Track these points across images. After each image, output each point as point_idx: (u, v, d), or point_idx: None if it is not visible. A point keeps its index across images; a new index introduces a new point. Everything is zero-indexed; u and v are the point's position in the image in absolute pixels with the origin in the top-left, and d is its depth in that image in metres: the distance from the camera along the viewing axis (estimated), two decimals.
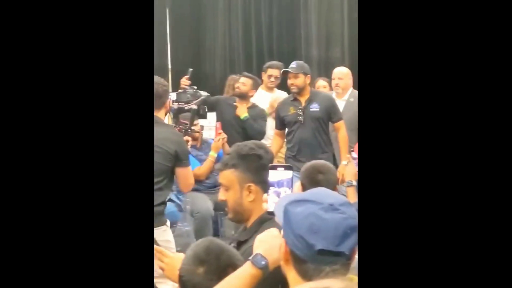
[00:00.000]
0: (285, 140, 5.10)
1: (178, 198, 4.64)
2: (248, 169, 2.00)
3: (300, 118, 4.76)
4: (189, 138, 3.99)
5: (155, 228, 2.84)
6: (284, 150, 5.12)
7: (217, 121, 5.00)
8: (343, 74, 5.36)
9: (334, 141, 4.93)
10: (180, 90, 4.10)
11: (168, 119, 4.71)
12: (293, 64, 4.84)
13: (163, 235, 3.25)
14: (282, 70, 4.91)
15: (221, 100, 5.32)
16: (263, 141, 4.92)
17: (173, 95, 3.97)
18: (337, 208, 1.25)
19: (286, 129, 4.95)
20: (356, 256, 1.27)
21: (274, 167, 1.79)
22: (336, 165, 4.15)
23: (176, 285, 1.76)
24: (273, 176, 1.77)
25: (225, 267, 1.63)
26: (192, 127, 4.02)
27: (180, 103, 3.94)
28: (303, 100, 4.81)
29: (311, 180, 2.59)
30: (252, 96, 5.28)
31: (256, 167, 1.98)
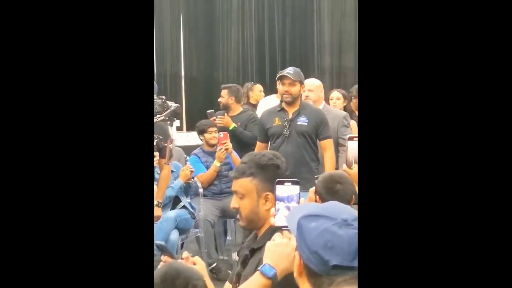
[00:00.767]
0: None
1: (191, 206, 4.67)
2: (267, 178, 2.04)
3: (286, 131, 4.21)
4: (156, 154, 3.70)
5: None
6: None
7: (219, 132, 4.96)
8: (314, 86, 4.76)
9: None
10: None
11: None
12: (290, 70, 4.27)
13: None
14: (278, 75, 4.29)
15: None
16: None
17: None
18: (351, 224, 1.26)
19: (270, 144, 4.37)
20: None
21: (282, 182, 1.80)
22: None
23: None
24: (281, 191, 1.78)
25: None
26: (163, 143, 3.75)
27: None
28: (291, 111, 4.24)
29: (328, 190, 2.58)
30: (231, 103, 5.25)
31: (274, 177, 1.99)
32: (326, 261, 1.23)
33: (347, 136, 2.53)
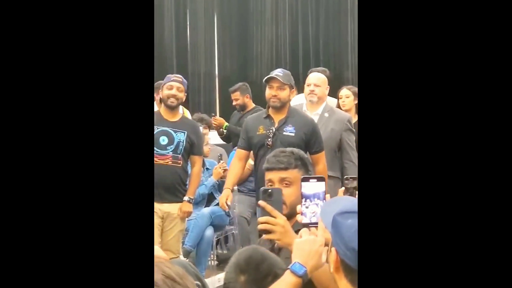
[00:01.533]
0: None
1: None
2: (305, 171, 2.24)
3: (269, 142, 3.68)
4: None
5: None
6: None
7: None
8: (321, 81, 4.25)
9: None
10: None
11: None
12: (279, 72, 3.81)
13: None
14: (266, 78, 3.81)
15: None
16: None
17: None
18: None
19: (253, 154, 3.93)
20: None
21: (307, 179, 1.81)
22: None
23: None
24: (307, 188, 1.79)
25: (265, 276, 1.65)
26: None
27: None
28: (277, 119, 3.75)
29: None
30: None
31: (305, 172, 2.22)
32: None
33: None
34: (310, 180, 1.80)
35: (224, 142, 5.68)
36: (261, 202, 1.86)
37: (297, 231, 1.84)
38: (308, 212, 1.76)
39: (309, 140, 3.73)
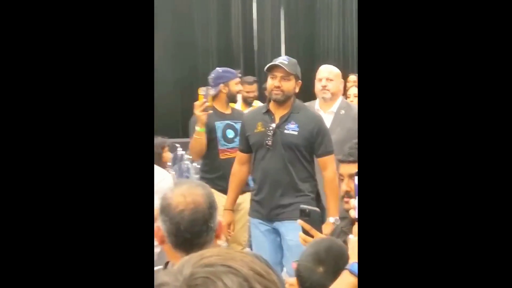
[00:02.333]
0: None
1: None
2: None
3: (268, 141, 3.12)
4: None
5: None
6: None
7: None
8: (334, 75, 3.73)
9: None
10: None
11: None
12: (284, 59, 3.18)
13: None
14: (268, 66, 3.18)
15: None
16: None
17: None
18: None
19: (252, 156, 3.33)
20: None
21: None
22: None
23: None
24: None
25: (341, 270, 1.57)
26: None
27: None
28: (278, 114, 3.16)
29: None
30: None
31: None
32: None
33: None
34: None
35: None
36: (300, 222, 1.86)
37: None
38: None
39: (315, 140, 3.13)
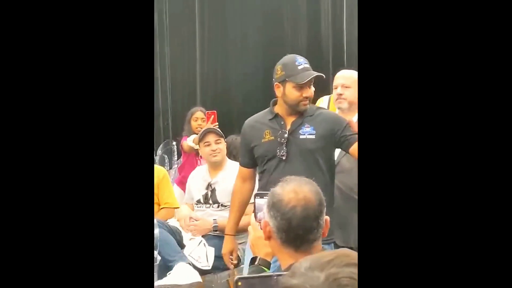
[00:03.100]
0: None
1: None
2: None
3: (281, 152, 2.72)
4: None
5: None
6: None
7: None
8: (351, 81, 3.23)
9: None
10: None
11: None
12: (306, 62, 2.78)
13: None
14: (310, 77, 2.75)
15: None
16: None
17: None
18: None
19: (258, 169, 2.91)
20: None
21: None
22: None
23: None
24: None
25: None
26: None
27: None
28: (290, 120, 2.78)
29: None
30: None
31: None
32: None
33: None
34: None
35: None
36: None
37: None
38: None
39: (334, 133, 2.73)
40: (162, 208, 3.77)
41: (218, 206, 3.67)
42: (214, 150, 3.66)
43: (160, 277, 3.19)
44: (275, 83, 2.76)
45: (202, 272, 3.26)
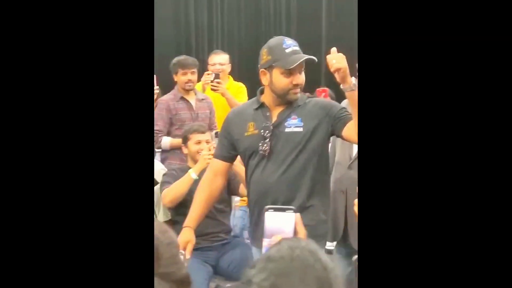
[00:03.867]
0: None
1: None
2: None
3: (264, 146, 2.34)
4: None
5: None
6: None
7: None
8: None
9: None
10: None
11: None
12: (296, 44, 2.38)
13: None
14: (299, 61, 2.31)
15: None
16: None
17: None
18: None
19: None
20: None
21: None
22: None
23: None
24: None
25: None
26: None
27: None
28: (277, 110, 2.40)
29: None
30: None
31: None
32: None
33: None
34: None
35: None
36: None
37: None
38: None
39: (327, 118, 2.34)
40: None
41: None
42: None
43: None
44: (261, 69, 2.39)
45: None
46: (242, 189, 2.99)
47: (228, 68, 4.27)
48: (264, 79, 2.39)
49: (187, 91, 3.93)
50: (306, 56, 2.32)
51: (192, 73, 3.95)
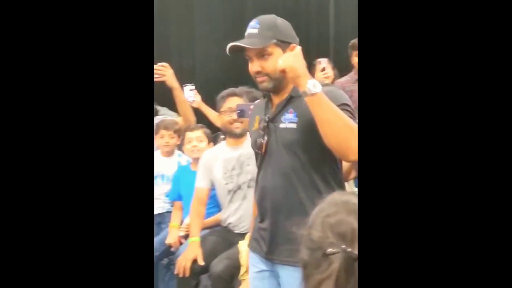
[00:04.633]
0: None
1: None
2: None
3: (259, 145, 2.07)
4: None
5: None
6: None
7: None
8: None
9: None
10: None
11: None
12: (253, 27, 1.99)
13: None
14: (229, 47, 1.99)
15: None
16: None
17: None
18: None
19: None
20: None
21: None
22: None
23: None
24: None
25: None
26: None
27: None
28: (276, 101, 2.07)
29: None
30: None
31: None
32: None
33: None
34: None
35: None
36: None
37: None
38: None
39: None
40: None
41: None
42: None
43: None
44: None
45: None
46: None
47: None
48: None
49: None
50: (236, 43, 1.96)
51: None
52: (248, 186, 3.05)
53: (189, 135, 3.54)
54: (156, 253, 3.33)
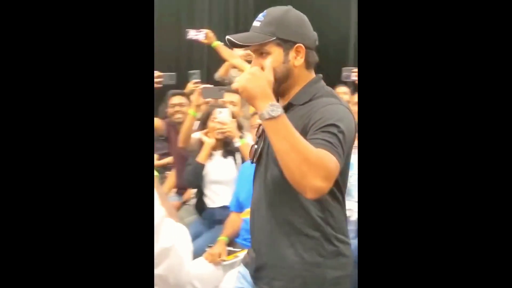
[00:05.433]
0: None
1: None
2: None
3: (252, 153, 1.93)
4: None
5: None
6: None
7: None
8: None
9: None
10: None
11: None
12: (259, 18, 1.77)
13: None
14: (227, 38, 1.78)
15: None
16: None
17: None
18: None
19: None
20: None
21: None
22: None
23: None
24: None
25: None
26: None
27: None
28: (282, 104, 1.82)
29: None
30: None
31: None
32: None
33: None
34: None
35: None
36: None
37: None
38: None
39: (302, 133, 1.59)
40: None
41: None
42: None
43: None
44: None
45: None
46: None
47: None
48: None
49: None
50: (229, 37, 1.76)
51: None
52: None
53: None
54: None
